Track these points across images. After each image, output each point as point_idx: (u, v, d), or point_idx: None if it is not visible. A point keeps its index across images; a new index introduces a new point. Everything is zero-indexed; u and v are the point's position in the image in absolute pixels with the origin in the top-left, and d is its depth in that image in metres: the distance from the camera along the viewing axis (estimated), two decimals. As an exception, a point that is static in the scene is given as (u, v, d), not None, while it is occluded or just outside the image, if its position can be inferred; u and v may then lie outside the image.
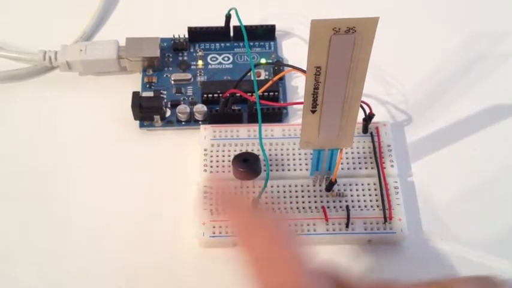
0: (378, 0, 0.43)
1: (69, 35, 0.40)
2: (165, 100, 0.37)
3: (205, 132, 0.35)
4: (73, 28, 0.41)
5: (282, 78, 0.39)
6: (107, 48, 0.38)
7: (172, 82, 0.38)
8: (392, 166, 0.34)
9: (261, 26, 0.40)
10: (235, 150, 0.34)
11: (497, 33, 0.41)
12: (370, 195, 0.33)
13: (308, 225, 0.32)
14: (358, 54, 0.26)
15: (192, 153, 0.35)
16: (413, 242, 0.32)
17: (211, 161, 0.34)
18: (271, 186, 0.33)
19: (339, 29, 0.24)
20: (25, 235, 0.33)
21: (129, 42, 0.38)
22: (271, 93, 0.37)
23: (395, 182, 0.33)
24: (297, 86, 0.39)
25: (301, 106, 0.37)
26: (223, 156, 0.34)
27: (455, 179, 0.35)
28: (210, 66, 0.39)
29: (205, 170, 0.34)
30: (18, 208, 0.34)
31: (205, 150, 0.34)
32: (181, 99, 0.38)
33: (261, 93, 0.36)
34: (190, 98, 0.38)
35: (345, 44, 0.25)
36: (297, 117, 0.37)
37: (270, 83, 0.34)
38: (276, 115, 0.37)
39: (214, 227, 0.32)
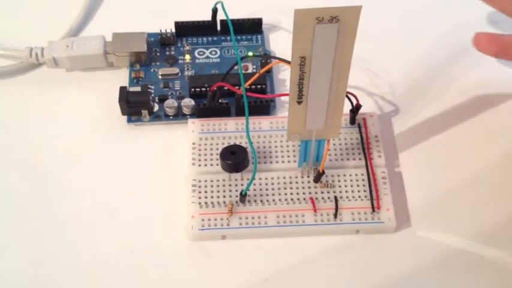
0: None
1: (55, 31, 0.40)
2: (153, 95, 0.37)
3: (193, 126, 0.35)
4: (59, 24, 0.40)
5: (269, 71, 0.39)
6: (93, 44, 0.38)
7: (160, 77, 0.38)
8: (379, 157, 0.34)
9: (248, 19, 0.40)
10: (223, 144, 0.34)
11: (485, 23, 0.41)
12: (358, 185, 0.33)
13: (296, 216, 0.32)
14: (342, 44, 0.26)
15: (180, 147, 0.35)
16: (401, 232, 0.33)
17: (200, 155, 0.34)
18: (260, 179, 0.33)
19: (322, 18, 0.24)
20: (13, 233, 0.33)
21: (116, 37, 0.38)
22: (258, 86, 0.37)
23: (383, 172, 0.33)
24: (285, 78, 0.39)
25: (288, 97, 0.37)
26: (212, 149, 0.34)
27: (442, 168, 0.35)
28: (197, 61, 0.39)
29: (193, 164, 0.34)
30: (5, 206, 0.34)
31: (193, 144, 0.34)
32: (169, 93, 0.38)
33: (248, 86, 0.36)
34: (178, 93, 0.38)
35: (328, 33, 0.25)
36: (284, 109, 0.37)
37: (256, 75, 0.35)
38: (263, 108, 0.37)
39: (203, 220, 0.32)
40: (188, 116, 0.37)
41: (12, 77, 0.39)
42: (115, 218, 0.33)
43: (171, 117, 0.37)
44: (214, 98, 0.36)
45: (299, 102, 0.28)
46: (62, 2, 0.42)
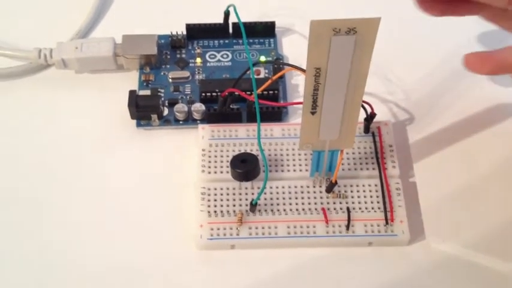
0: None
1: (65, 32, 0.39)
2: (163, 99, 0.37)
3: (203, 132, 0.34)
4: (69, 25, 0.40)
5: (282, 77, 0.38)
6: (103, 46, 0.37)
7: (170, 80, 0.38)
8: (394, 167, 0.33)
9: (261, 22, 0.39)
10: (233, 151, 0.34)
11: (500, 30, 0.40)
12: (371, 196, 0.32)
13: (308, 227, 0.31)
14: (359, 56, 0.25)
15: (189, 153, 0.35)
16: (415, 245, 0.32)
17: (210, 162, 0.33)
18: (271, 188, 0.32)
19: (339, 29, 0.24)
20: (19, 235, 0.32)
21: (126, 39, 0.38)
22: (270, 92, 0.36)
23: (397, 183, 0.33)
24: (298, 84, 0.38)
25: (302, 105, 0.37)
26: (222, 156, 0.34)
27: (458, 179, 0.34)
28: (208, 64, 0.39)
29: (203, 171, 0.33)
30: (14, 206, 0.33)
31: (203, 150, 0.34)
32: (179, 97, 0.37)
33: (260, 92, 0.35)
34: (188, 97, 0.37)
35: (345, 45, 0.24)
36: (297, 116, 0.37)
37: (269, 82, 0.34)
38: (275, 114, 0.36)
39: (212, 229, 0.31)
40: (198, 121, 0.36)
41: (20, 77, 0.38)
42: (122, 224, 0.33)
43: (180, 122, 0.36)
44: (225, 104, 0.35)
45: (313, 113, 0.28)
46: (71, 2, 0.42)
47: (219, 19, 0.39)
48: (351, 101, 0.27)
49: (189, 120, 0.36)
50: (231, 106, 0.35)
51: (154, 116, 0.36)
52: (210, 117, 0.36)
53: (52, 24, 0.41)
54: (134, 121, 0.36)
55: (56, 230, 0.33)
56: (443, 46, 0.40)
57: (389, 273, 0.31)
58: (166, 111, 0.36)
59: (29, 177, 0.34)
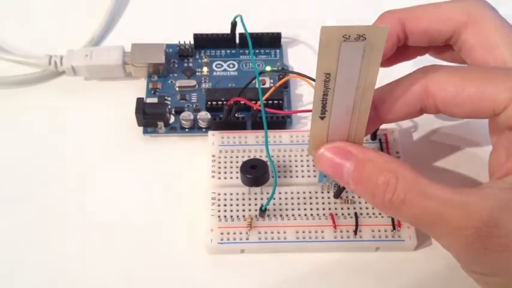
0: (387, 5, 0.42)
1: (78, 40, 0.40)
2: (169, 106, 0.37)
3: (214, 138, 0.35)
4: (82, 34, 0.41)
5: (286, 86, 0.39)
6: (112, 54, 0.38)
7: (177, 88, 0.38)
8: (400, 174, 0.34)
9: (267, 33, 0.40)
10: (243, 157, 0.34)
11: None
12: (378, 202, 0.33)
13: (316, 232, 0.32)
14: (368, 62, 0.25)
15: (195, 159, 0.35)
16: (421, 250, 0.32)
17: (220, 167, 0.34)
18: (280, 193, 0.33)
19: (349, 36, 0.24)
20: (29, 239, 0.32)
21: (135, 48, 0.38)
22: (275, 102, 0.37)
23: (404, 189, 0.33)
24: (302, 93, 0.39)
25: (305, 114, 0.37)
26: (231, 162, 0.34)
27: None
28: (215, 73, 0.39)
29: (213, 176, 0.33)
30: (24, 211, 0.33)
31: (213, 156, 0.34)
32: (186, 106, 0.37)
33: (265, 101, 0.36)
34: (194, 105, 0.38)
35: (354, 51, 0.25)
36: (300, 125, 0.37)
37: (272, 89, 0.34)
38: (279, 123, 0.36)
39: (222, 234, 0.32)
40: (203, 129, 0.36)
41: (34, 84, 0.39)
42: (130, 230, 0.33)
43: (186, 130, 0.37)
44: (231, 112, 0.36)
45: (322, 118, 0.28)
46: (84, 11, 0.43)
47: (226, 29, 0.39)
48: (359, 106, 0.28)
49: (194, 128, 0.37)
50: (236, 115, 0.36)
51: (160, 124, 0.36)
52: (215, 126, 0.36)
53: (67, 33, 0.41)
54: (141, 128, 0.36)
55: (64, 235, 0.33)
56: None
57: (396, 278, 0.32)
58: (172, 119, 0.37)
59: (37, 182, 0.35)
